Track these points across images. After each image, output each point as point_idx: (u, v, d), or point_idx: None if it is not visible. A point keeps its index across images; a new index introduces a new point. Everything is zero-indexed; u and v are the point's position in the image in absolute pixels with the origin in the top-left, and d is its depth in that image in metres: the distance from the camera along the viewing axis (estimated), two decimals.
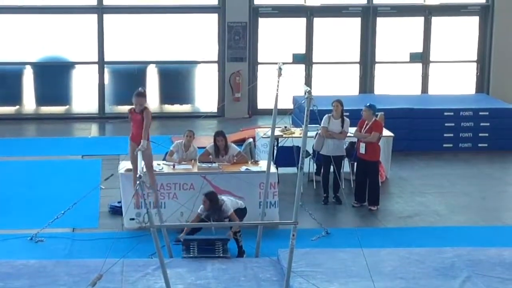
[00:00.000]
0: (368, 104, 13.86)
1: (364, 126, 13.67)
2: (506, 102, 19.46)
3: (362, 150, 13.63)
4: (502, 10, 20.54)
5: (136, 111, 10.36)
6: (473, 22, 20.96)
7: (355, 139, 14.13)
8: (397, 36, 20.80)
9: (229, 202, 11.62)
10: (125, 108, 20.23)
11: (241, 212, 11.73)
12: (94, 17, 20.06)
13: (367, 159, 13.61)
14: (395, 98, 18.81)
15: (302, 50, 20.67)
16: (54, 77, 20.23)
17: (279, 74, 10.48)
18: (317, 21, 20.62)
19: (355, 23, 20.72)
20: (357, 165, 14.06)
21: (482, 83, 21.04)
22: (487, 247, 11.19)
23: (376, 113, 14.58)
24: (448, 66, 21.08)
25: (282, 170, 14.13)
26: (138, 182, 8.46)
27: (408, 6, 20.80)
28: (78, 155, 16.87)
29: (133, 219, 12.38)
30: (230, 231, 11.34)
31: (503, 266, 10.35)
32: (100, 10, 20.06)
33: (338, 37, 20.72)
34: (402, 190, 14.77)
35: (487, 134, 17.67)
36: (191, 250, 11.05)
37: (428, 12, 20.80)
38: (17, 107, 20.43)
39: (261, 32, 20.49)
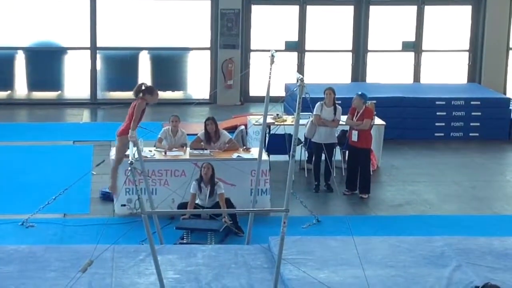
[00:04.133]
0: (359, 93, 13.88)
1: (356, 114, 13.70)
2: (498, 91, 19.54)
3: (354, 137, 13.65)
4: None
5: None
6: (466, 11, 20.98)
7: (347, 127, 14.15)
8: (389, 24, 20.80)
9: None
10: (117, 94, 20.33)
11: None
12: (86, 2, 20.00)
13: (359, 146, 13.64)
14: (387, 87, 18.83)
15: (294, 37, 20.66)
16: (46, 62, 20.19)
17: (272, 62, 10.48)
18: (310, 9, 20.61)
19: (348, 11, 20.72)
20: (348, 153, 14.09)
21: (474, 73, 21.07)
22: (477, 236, 11.22)
23: (367, 102, 14.61)
24: (440, 55, 21.10)
25: (274, 157, 14.13)
26: (129, 168, 8.46)
27: None
28: (69, 140, 16.84)
29: (124, 205, 12.42)
30: (225, 218, 11.47)
31: (493, 255, 10.38)
32: None
33: (331, 25, 20.71)
34: (393, 178, 14.80)
35: (478, 124, 17.72)
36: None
37: (421, 1, 20.80)
38: (9, 92, 20.38)
39: (253, 19, 20.47)
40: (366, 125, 13.61)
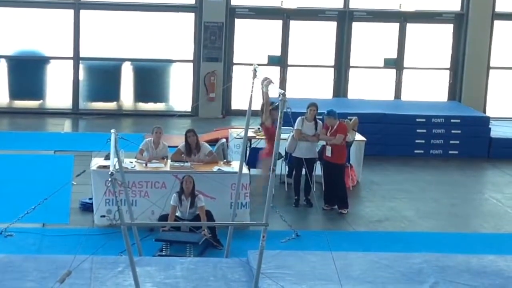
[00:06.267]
0: (326, 112, 13.88)
1: (330, 129, 13.75)
2: (478, 110, 19.66)
3: (328, 153, 13.71)
4: (476, 18, 20.70)
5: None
6: (448, 29, 21.12)
7: None
8: (372, 41, 20.91)
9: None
10: (99, 105, 20.28)
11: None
12: (70, 12, 20.01)
13: (333, 161, 13.69)
14: (368, 103, 18.93)
15: (277, 52, 20.73)
16: (28, 71, 20.16)
17: (254, 76, 10.52)
18: (293, 24, 20.69)
19: (331, 27, 20.82)
20: (323, 168, 14.13)
21: (455, 91, 21.20)
22: (455, 253, 11.27)
23: (349, 118, 14.69)
24: (421, 72, 21.22)
25: (254, 171, 14.16)
26: (110, 179, 8.45)
27: (384, 12, 20.91)
28: (50, 150, 16.81)
29: (104, 216, 12.40)
30: (204, 230, 11.46)
31: (471, 273, 10.44)
32: (77, 5, 20.02)
33: (314, 41, 20.80)
34: (373, 194, 14.86)
35: (458, 142, 17.82)
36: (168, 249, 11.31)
37: (403, 19, 20.94)
38: None
39: (237, 33, 20.53)
40: (339, 140, 13.64)
